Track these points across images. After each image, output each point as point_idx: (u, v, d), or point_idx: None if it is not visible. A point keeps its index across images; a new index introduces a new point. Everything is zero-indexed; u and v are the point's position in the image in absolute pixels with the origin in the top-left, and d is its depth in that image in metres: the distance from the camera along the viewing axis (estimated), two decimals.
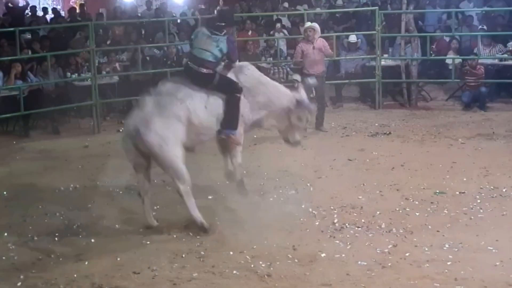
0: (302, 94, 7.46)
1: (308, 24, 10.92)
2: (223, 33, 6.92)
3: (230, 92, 6.85)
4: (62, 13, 18.35)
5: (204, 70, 6.77)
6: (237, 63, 7.19)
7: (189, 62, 6.95)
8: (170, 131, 6.42)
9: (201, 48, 6.81)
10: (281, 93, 7.38)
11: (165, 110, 6.47)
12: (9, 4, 16.81)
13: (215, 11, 7.32)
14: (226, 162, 7.34)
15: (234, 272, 5.59)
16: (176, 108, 6.53)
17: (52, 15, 17.22)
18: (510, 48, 12.72)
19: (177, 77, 7.42)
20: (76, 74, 11.88)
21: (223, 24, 7.00)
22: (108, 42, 13.97)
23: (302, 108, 7.39)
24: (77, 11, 17.36)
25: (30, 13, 16.80)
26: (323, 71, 10.78)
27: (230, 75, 7.05)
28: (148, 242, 6.29)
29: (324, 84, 10.98)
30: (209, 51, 6.77)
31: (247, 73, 7.17)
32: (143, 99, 6.70)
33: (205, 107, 6.72)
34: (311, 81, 9.26)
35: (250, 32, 14.09)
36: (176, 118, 6.49)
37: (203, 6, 18.12)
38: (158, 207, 7.22)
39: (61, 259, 6.00)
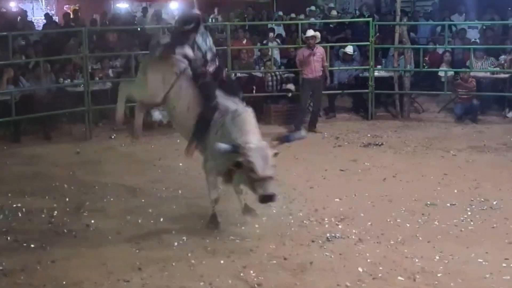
0: None
1: (311, 32, 11.49)
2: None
3: None
4: (56, 19, 18.31)
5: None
6: None
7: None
8: None
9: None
10: None
11: None
12: (2, 9, 16.75)
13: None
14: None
15: (224, 281, 5.57)
16: None
17: (45, 21, 17.14)
18: (502, 62, 12.79)
19: None
20: (69, 80, 11.84)
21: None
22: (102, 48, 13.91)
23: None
24: (71, 16, 17.30)
25: (20, 17, 16.68)
26: (321, 76, 11.54)
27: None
28: (138, 250, 6.27)
29: (321, 88, 11.66)
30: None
31: None
32: None
33: None
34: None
35: (244, 41, 14.11)
36: None
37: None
38: (146, 211, 7.24)
39: (50, 266, 5.97)
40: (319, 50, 11.50)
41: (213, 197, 6.74)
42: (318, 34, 11.62)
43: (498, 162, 9.39)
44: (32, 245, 6.43)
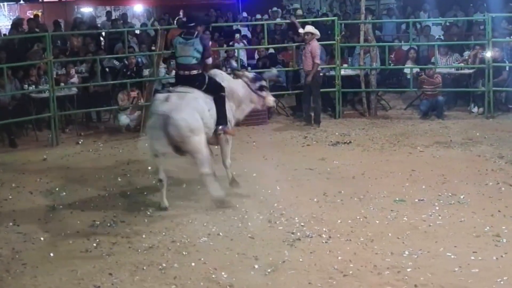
0: (246, 74, 8.44)
1: (306, 28, 11.99)
2: (195, 34, 7.66)
3: (218, 92, 7.66)
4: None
5: (194, 72, 7.58)
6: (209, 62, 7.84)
7: (179, 71, 7.72)
8: (197, 119, 7.28)
9: (182, 56, 7.62)
10: (240, 85, 8.24)
11: (189, 103, 7.31)
12: None
13: (184, 17, 8.07)
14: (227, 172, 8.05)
15: (196, 283, 5.56)
16: (197, 104, 7.38)
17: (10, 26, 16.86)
18: (466, 57, 12.96)
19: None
20: (34, 86, 11.68)
21: (193, 24, 7.78)
22: (67, 53, 13.79)
23: (257, 83, 8.31)
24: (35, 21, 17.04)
25: None
26: (309, 70, 11.76)
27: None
28: (108, 255, 6.22)
29: (316, 84, 11.91)
30: (190, 56, 7.58)
31: (221, 76, 8.05)
32: (161, 95, 7.46)
33: (208, 110, 7.53)
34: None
35: (210, 43, 14.06)
36: (198, 112, 7.33)
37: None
38: (115, 216, 7.20)
39: (19, 274, 5.89)
40: (309, 47, 11.75)
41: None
42: (312, 29, 11.89)
43: (465, 157, 9.51)
44: (1, 254, 6.35)
